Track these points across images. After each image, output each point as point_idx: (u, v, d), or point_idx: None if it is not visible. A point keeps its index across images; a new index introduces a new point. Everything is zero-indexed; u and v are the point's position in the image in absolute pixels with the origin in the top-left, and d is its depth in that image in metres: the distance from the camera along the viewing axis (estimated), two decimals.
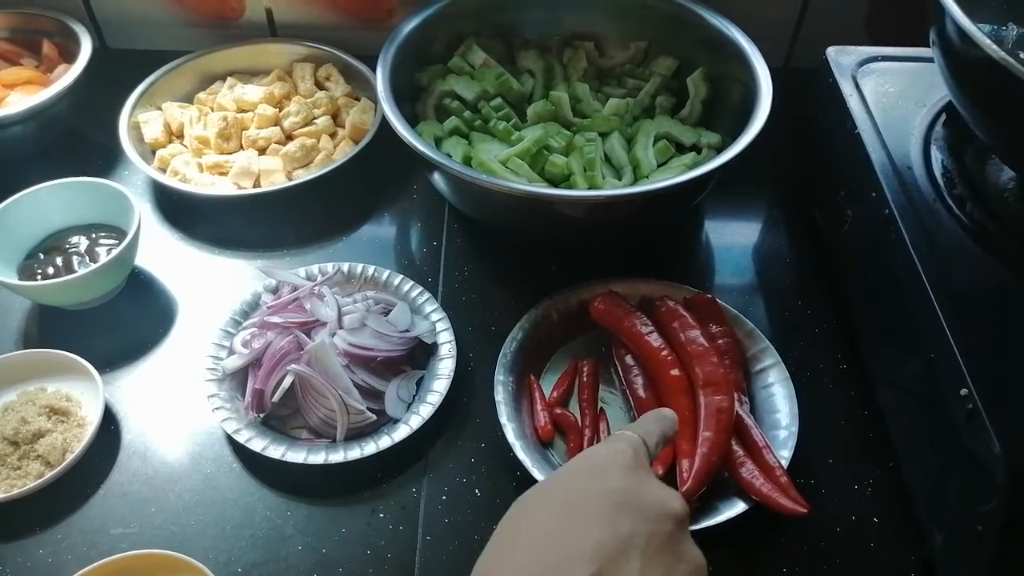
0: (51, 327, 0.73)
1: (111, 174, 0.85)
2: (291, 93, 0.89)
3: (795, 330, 0.72)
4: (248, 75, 0.92)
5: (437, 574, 0.58)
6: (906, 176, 0.65)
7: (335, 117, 0.88)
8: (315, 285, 0.70)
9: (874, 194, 0.65)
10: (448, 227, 0.81)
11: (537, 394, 0.66)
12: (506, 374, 0.65)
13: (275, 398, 0.64)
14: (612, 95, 0.83)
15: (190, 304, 0.75)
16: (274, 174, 0.81)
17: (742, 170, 0.69)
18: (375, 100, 0.86)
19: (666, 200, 0.71)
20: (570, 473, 0.45)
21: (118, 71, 0.89)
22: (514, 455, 0.60)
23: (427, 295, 0.71)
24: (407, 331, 0.68)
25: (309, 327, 0.67)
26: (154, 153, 0.84)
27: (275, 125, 0.86)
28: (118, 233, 0.75)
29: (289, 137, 0.86)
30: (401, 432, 0.63)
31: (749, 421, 0.62)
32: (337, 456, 0.61)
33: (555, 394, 0.66)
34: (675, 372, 0.63)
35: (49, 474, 0.61)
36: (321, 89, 0.91)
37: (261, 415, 0.65)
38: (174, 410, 0.67)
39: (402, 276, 0.72)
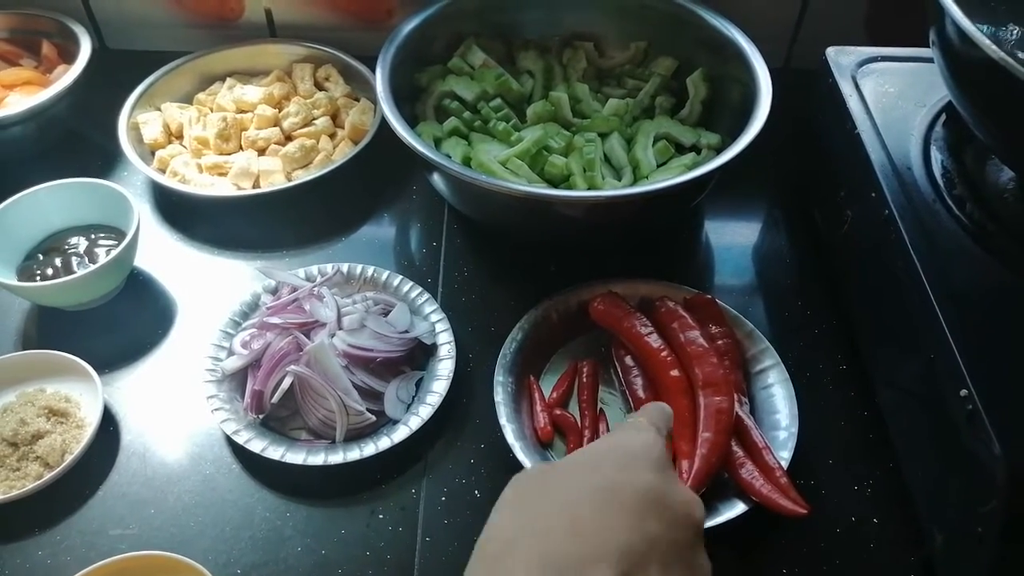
0: (50, 328, 0.73)
1: (110, 175, 0.85)
2: (290, 94, 0.89)
3: (795, 331, 0.72)
4: (247, 76, 0.92)
5: (437, 575, 0.58)
6: (906, 176, 0.65)
7: (335, 118, 0.88)
8: (314, 286, 0.70)
9: (874, 194, 0.65)
10: (448, 228, 0.81)
11: (537, 395, 0.66)
12: (505, 375, 0.65)
13: (274, 399, 0.64)
14: (612, 95, 0.83)
15: (189, 305, 0.75)
16: (273, 175, 0.81)
17: (742, 170, 0.69)
18: (374, 101, 0.86)
19: (666, 200, 0.71)
20: (599, 456, 0.43)
21: (117, 72, 0.89)
22: (513, 456, 0.60)
23: (426, 296, 0.71)
24: (406, 332, 0.68)
25: (308, 328, 0.67)
26: (153, 154, 0.84)
27: (274, 126, 0.86)
28: (117, 234, 0.75)
29: (288, 138, 0.85)
30: (400, 433, 0.63)
31: (749, 422, 0.62)
32: (336, 457, 0.61)
33: (555, 395, 0.66)
34: (675, 373, 0.63)
35: (48, 475, 0.61)
36: (321, 90, 0.91)
37: (260, 416, 0.64)
38: (173, 411, 0.67)
39: (401, 277, 0.72)
